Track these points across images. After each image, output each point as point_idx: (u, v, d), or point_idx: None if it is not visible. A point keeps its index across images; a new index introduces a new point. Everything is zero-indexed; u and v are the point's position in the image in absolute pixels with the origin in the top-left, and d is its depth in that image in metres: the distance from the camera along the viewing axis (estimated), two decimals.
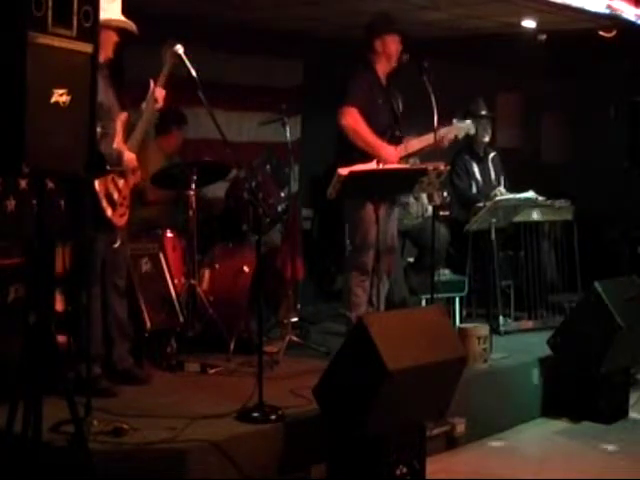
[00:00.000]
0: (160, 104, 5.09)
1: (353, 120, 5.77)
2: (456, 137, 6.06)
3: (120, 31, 4.93)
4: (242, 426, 4.36)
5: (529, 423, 5.93)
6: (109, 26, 4.83)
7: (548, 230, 7.57)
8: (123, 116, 5.06)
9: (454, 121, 6.07)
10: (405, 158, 6.01)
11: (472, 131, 6.27)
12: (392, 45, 5.91)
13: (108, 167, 4.77)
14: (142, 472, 3.96)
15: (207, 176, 6.12)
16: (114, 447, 4.00)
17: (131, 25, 4.94)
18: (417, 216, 7.35)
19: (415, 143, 5.99)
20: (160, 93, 5.05)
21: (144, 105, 5.07)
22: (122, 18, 4.92)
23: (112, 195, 4.91)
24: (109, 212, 4.89)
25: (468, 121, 6.21)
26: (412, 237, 7.45)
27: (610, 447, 5.43)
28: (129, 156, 4.99)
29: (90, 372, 4.49)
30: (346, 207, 5.97)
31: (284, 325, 6.22)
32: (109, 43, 4.89)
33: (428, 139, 5.90)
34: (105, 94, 4.88)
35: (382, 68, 5.98)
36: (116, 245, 4.99)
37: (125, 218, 5.04)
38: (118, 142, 5.00)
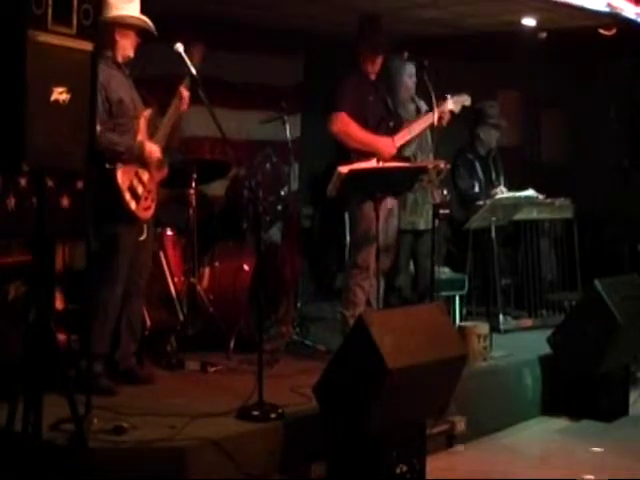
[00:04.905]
0: (185, 105, 5.09)
1: (343, 124, 5.78)
2: (452, 112, 6.08)
3: (140, 30, 4.94)
4: (242, 424, 4.36)
5: (529, 421, 5.92)
6: (128, 25, 4.84)
7: (548, 228, 7.57)
8: (147, 112, 5.07)
9: (448, 97, 6.07)
10: (405, 147, 6.04)
11: (467, 102, 6.25)
12: (376, 47, 5.92)
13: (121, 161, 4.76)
14: (142, 470, 3.96)
15: (207, 174, 6.12)
16: (114, 445, 3.99)
17: (150, 25, 4.93)
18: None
19: (412, 128, 6.03)
20: (186, 94, 5.05)
21: (171, 105, 5.08)
22: (141, 17, 4.92)
23: (136, 189, 4.91)
24: (133, 205, 4.88)
25: (464, 95, 6.22)
26: None
27: (609, 446, 5.43)
28: (150, 147, 4.98)
29: (90, 370, 4.49)
30: (347, 203, 5.97)
31: (284, 323, 6.22)
32: (129, 42, 4.91)
33: (425, 120, 6.00)
34: (127, 91, 4.91)
35: (370, 65, 5.98)
36: (142, 237, 5.00)
37: (150, 212, 5.04)
38: (142, 137, 5.01)
